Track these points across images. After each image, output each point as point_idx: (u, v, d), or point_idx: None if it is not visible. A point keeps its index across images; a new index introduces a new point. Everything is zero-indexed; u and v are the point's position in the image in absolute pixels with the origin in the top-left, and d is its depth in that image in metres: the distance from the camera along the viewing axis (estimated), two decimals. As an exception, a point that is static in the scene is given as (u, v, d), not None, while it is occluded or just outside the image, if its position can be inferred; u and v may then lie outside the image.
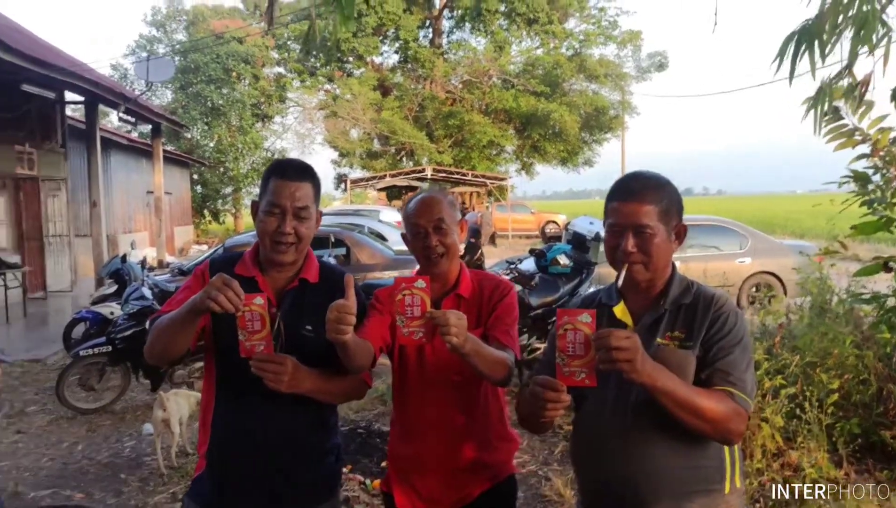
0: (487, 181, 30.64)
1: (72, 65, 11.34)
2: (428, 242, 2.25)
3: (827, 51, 2.07)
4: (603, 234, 6.97)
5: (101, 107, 15.00)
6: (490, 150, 34.22)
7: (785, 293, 10.50)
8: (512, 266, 6.77)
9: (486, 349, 2.05)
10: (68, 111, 16.24)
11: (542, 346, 6.87)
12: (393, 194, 32.45)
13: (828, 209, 4.94)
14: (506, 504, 2.33)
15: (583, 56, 34.82)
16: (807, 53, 2.09)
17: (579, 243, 7.07)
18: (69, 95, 14.61)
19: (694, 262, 10.36)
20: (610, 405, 1.90)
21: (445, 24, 37.30)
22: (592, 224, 7.23)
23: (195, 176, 32.73)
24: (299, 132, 37.85)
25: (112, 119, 27.70)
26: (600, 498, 1.96)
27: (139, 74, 14.24)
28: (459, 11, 35.46)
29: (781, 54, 2.08)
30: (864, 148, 4.34)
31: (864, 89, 2.24)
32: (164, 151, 24.74)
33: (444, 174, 29.67)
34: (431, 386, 2.26)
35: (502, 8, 34.03)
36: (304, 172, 2.16)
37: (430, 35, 36.93)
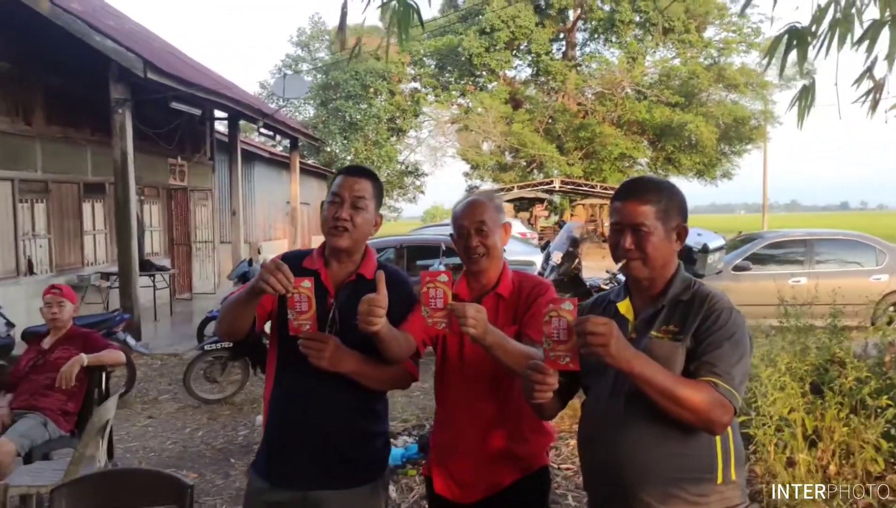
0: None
1: (215, 83, 12.27)
2: (469, 242, 2.43)
3: (812, 53, 2.16)
4: (711, 246, 6.84)
5: (249, 122, 16.12)
6: (622, 162, 33.63)
7: (927, 315, 9.78)
8: (611, 276, 6.74)
9: (510, 344, 2.17)
10: (218, 126, 17.48)
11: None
12: (522, 205, 32.54)
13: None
14: (537, 494, 2.42)
15: (721, 65, 33.61)
16: (794, 52, 2.09)
17: (686, 254, 6.94)
18: (217, 112, 15.76)
19: (823, 278, 9.85)
20: (607, 393, 2.00)
21: (579, 37, 37.11)
22: (700, 236, 7.06)
23: (333, 188, 34.21)
24: (432, 145, 38.74)
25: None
26: (597, 481, 2.07)
27: (276, 91, 15.16)
28: (593, 23, 35.20)
29: (771, 53, 2.10)
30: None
31: (878, 95, 2.18)
32: (303, 163, 26.08)
33: (571, 186, 29.49)
34: (468, 377, 2.40)
35: (637, 18, 33.46)
36: (365, 171, 2.41)
37: (564, 48, 36.83)
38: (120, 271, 10.47)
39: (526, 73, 38.22)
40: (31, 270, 10.92)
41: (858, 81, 2.23)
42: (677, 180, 36.37)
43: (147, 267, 12.74)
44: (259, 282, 2.09)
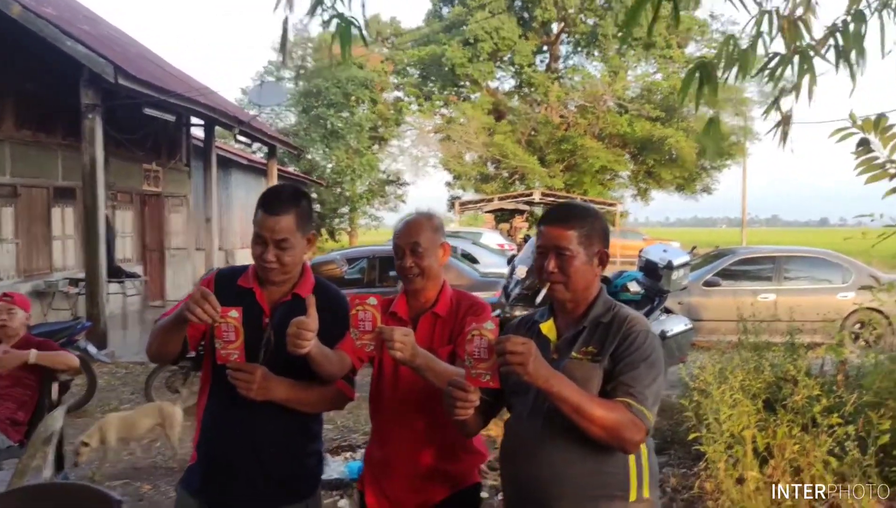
0: (596, 206, 30.24)
1: (190, 89, 12.22)
2: (404, 262, 2.42)
3: (721, 84, 2.19)
4: (675, 262, 6.81)
5: (225, 129, 16.05)
6: (603, 175, 33.87)
7: (894, 332, 9.87)
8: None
9: (440, 366, 2.21)
10: (195, 132, 17.39)
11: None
12: (502, 217, 32.65)
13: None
14: None
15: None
16: (706, 86, 2.12)
17: (651, 270, 6.96)
18: (193, 118, 15.69)
19: (791, 295, 9.94)
20: (528, 412, 2.05)
21: (562, 49, 37.35)
22: (666, 252, 7.09)
23: (314, 195, 34.17)
24: (414, 155, 38.84)
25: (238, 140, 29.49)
26: (516, 496, 2.10)
27: (252, 99, 15.11)
28: (576, 36, 35.44)
29: (684, 89, 2.13)
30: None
31: (786, 126, 2.22)
32: (283, 171, 25.99)
33: (552, 198, 29.59)
34: (402, 395, 2.40)
35: (619, 33, 33.74)
36: (284, 203, 2.27)
37: (547, 60, 37.06)
38: (87, 278, 10.38)
39: (509, 84, 38.50)
40: (-3, 275, 10.80)
41: (766, 112, 2.26)
42: (660, 195, 36.68)
43: (117, 274, 12.64)
44: (184, 312, 2.07)
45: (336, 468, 5.20)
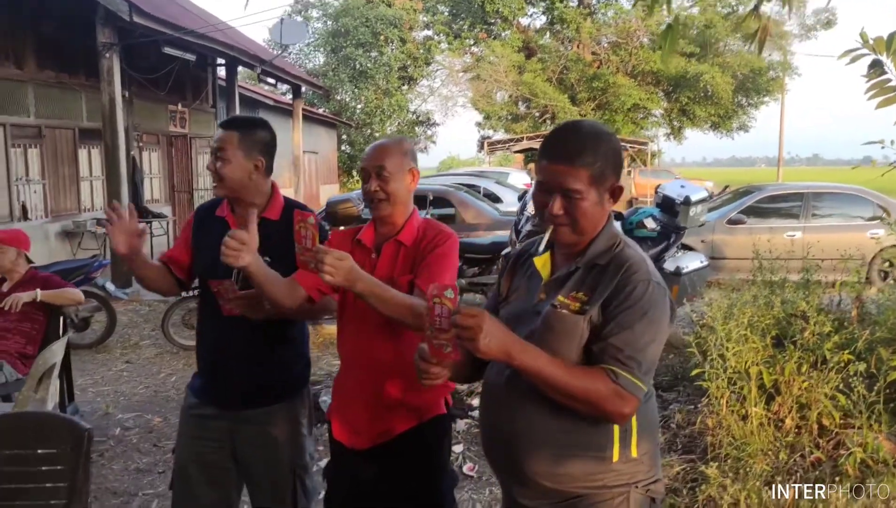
0: (627, 145, 29.68)
1: (209, 28, 12.09)
2: (369, 186, 2.35)
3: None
4: (693, 198, 6.64)
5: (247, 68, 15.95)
6: (635, 113, 33.13)
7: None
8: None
9: (387, 293, 2.15)
10: (222, 72, 17.30)
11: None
12: (532, 157, 32.24)
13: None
14: (427, 442, 2.39)
15: (739, 14, 32.73)
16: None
17: (668, 206, 6.80)
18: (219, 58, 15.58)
19: (820, 232, 9.70)
20: (503, 365, 1.86)
21: (595, -17, 36.23)
22: (683, 187, 6.91)
23: (343, 137, 34.01)
24: (444, 95, 38.31)
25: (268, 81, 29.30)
26: (490, 448, 1.99)
27: (273, 37, 14.94)
28: (610, -31, 34.34)
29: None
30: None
31: (763, 36, 2.07)
32: (311, 112, 25.89)
33: (583, 138, 29.11)
34: (364, 323, 2.35)
35: (654, -36, 32.57)
36: (233, 122, 2.55)
37: (579, -6, 36.02)
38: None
39: (540, 21, 37.49)
40: (25, 215, 10.98)
41: (744, 20, 2.13)
42: (693, 133, 35.88)
43: (145, 214, 12.76)
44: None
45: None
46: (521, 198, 7.11)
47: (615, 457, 1.78)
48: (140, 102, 13.86)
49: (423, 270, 2.29)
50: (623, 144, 28.67)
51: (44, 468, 2.30)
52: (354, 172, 35.41)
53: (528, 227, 6.22)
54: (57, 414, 2.37)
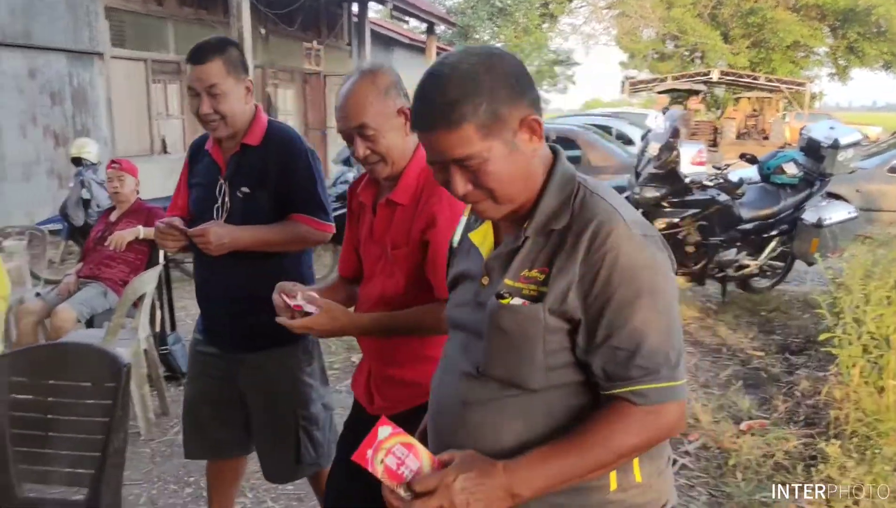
0: (783, 86, 27.47)
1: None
2: (356, 150, 1.87)
3: None
4: (843, 141, 5.88)
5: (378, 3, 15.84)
6: (795, 51, 30.57)
7: None
8: (719, 172, 6.04)
9: (394, 321, 1.89)
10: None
11: (752, 263, 6.16)
12: (678, 98, 30.55)
13: None
14: None
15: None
16: None
17: (813, 149, 6.07)
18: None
19: None
20: (461, 345, 1.45)
21: None
22: (833, 129, 6.14)
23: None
24: (586, 33, 36.93)
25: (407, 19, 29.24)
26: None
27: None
28: None
29: None
30: None
31: None
32: (446, 50, 25.60)
33: (732, 77, 27.21)
34: (367, 300, 2.04)
35: None
36: (209, 51, 2.25)
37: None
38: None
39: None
40: (164, 149, 11.47)
41: None
42: (861, 72, 32.76)
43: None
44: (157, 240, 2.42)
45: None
46: (643, 138, 6.58)
47: (612, 485, 1.31)
48: (275, 40, 14.09)
49: (431, 263, 1.85)
50: (778, 84, 26.65)
51: (84, 400, 2.25)
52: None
53: (650, 169, 5.74)
54: (97, 346, 2.32)
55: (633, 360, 1.21)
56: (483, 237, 1.41)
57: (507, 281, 1.31)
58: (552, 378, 1.29)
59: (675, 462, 3.58)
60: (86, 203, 6.70)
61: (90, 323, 4.50)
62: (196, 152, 2.54)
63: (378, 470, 1.22)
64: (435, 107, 1.24)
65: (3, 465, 2.25)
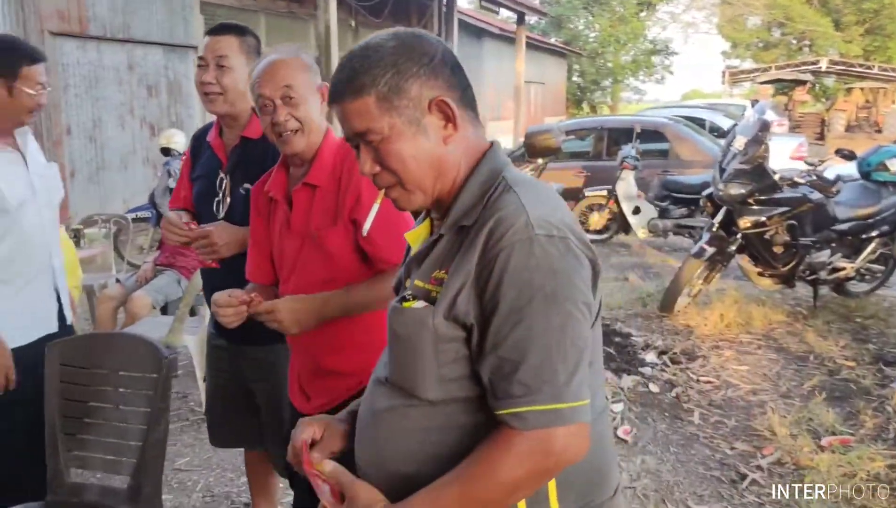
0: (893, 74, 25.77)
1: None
2: (277, 115, 1.85)
3: None
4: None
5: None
6: (914, 39, 28.69)
7: None
8: (811, 168, 5.68)
9: (350, 299, 1.87)
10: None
11: (849, 265, 5.77)
12: (782, 89, 29.17)
13: None
14: None
15: None
16: None
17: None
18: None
19: None
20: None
21: None
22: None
23: (574, 67, 32.99)
24: (685, 21, 35.79)
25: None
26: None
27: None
28: None
29: None
30: None
31: None
32: (539, 41, 25.31)
33: (842, 67, 25.75)
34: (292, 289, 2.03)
35: None
36: (228, 27, 2.28)
37: None
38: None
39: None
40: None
41: None
42: None
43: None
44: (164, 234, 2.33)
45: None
46: (729, 132, 6.25)
47: None
48: (365, 31, 14.20)
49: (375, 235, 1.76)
50: (894, 74, 25.01)
51: (129, 390, 2.29)
52: (584, 104, 34.40)
53: (735, 165, 5.44)
54: (144, 338, 2.32)
55: (515, 374, 1.08)
56: (417, 236, 1.34)
57: (417, 282, 1.22)
58: (450, 390, 1.18)
59: (744, 477, 3.38)
60: (172, 192, 6.92)
61: (164, 310, 4.63)
62: (197, 145, 2.51)
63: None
64: (343, 77, 1.20)
65: (53, 451, 2.31)
